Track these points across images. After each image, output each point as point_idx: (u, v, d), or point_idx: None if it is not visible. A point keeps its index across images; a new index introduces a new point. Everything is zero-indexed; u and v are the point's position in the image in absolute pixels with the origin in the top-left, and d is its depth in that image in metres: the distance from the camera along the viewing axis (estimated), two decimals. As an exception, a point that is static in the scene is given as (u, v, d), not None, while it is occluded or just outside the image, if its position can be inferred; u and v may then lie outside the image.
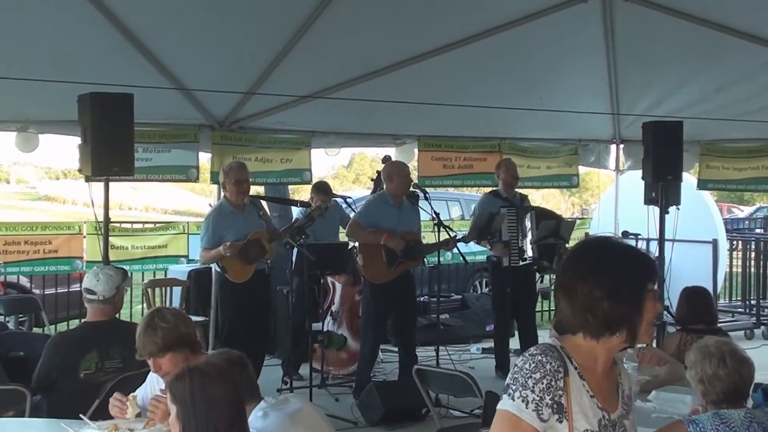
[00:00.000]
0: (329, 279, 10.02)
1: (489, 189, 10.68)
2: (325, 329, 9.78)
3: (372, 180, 9.95)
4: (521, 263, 9.67)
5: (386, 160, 9.71)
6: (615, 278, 2.71)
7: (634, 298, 2.70)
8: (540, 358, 2.67)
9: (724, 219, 14.71)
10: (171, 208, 40.84)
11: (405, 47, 9.37)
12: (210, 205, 9.82)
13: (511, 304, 9.67)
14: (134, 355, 4.81)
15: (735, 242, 15.38)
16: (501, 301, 9.83)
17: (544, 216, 9.95)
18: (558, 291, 2.80)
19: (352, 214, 9.95)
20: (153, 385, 4.69)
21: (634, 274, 2.73)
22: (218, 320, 8.89)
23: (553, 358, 2.67)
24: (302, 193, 15.50)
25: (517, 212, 9.72)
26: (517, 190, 10.14)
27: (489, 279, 10.28)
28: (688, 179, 11.50)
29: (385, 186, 8.94)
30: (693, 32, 9.11)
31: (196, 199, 39.87)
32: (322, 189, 9.97)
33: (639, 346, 7.78)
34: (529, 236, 9.70)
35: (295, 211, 9.98)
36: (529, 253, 9.68)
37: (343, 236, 10.30)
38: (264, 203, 9.45)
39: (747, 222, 23.40)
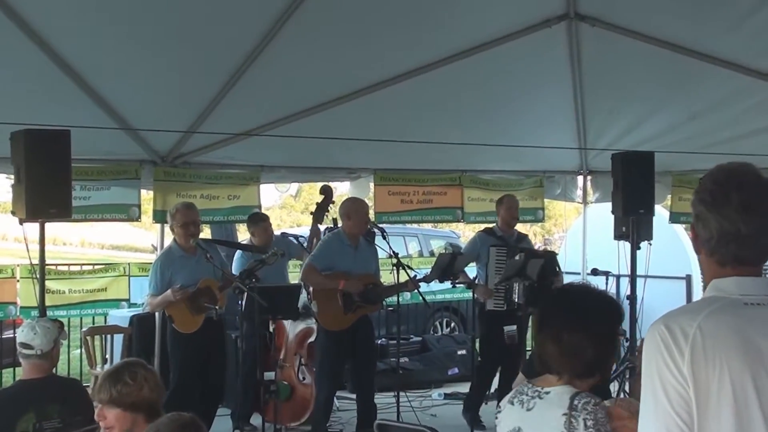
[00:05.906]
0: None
1: (485, 226, 10.14)
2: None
3: (311, 213, 9.62)
4: (506, 308, 8.75)
5: (325, 190, 9.46)
6: (596, 328, 3.06)
7: (611, 344, 3.13)
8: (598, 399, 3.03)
9: (696, 251, 14.43)
10: (109, 243, 40.17)
11: (356, 78, 8.92)
12: (153, 245, 9.46)
13: (497, 351, 8.95)
14: (73, 413, 4.76)
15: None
16: (485, 348, 9.28)
17: (535, 256, 8.92)
18: (543, 336, 3.15)
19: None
20: None
21: (611, 323, 3.17)
22: (168, 369, 8.45)
23: None
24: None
25: (507, 252, 9.07)
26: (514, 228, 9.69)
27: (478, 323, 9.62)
28: (660, 212, 11.13)
29: (341, 224, 8.61)
30: (663, 58, 8.80)
31: (136, 233, 38.87)
32: (257, 219, 9.53)
33: (614, 397, 7.39)
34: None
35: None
36: (518, 298, 8.86)
37: (294, 274, 10.01)
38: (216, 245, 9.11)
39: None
